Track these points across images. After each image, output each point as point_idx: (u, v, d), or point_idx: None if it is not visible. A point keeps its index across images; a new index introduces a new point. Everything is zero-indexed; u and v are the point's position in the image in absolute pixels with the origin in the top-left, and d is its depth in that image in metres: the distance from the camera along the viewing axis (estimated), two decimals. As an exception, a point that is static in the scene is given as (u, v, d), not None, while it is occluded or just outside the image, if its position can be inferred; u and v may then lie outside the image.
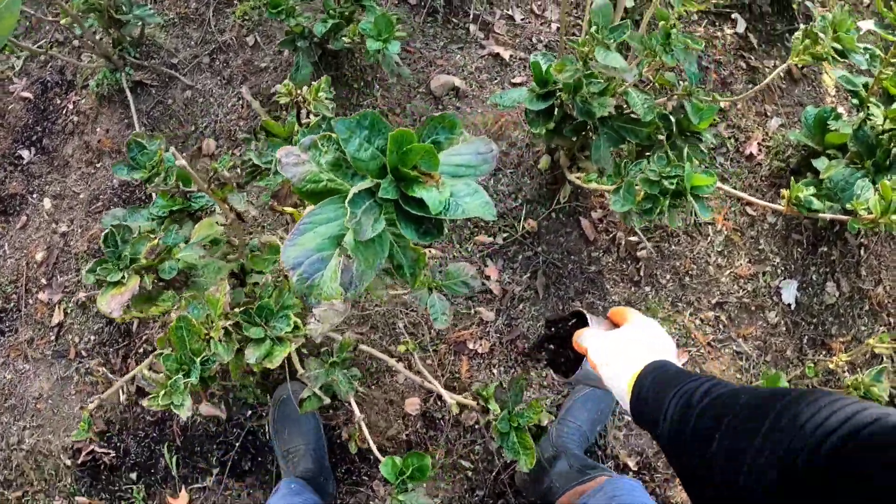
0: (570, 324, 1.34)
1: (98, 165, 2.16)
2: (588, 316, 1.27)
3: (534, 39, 2.25)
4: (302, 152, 1.00)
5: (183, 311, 1.37)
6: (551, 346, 1.42)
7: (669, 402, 0.93)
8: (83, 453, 2.03)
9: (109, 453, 2.02)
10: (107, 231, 1.44)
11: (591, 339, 1.20)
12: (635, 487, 1.69)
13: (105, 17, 1.95)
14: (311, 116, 1.51)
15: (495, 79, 2.20)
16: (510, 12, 2.28)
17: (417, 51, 2.21)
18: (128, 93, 2.10)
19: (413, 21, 2.25)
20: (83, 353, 2.06)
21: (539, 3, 2.30)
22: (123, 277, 1.43)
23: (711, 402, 0.88)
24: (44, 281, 2.10)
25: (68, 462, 2.03)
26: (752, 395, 0.83)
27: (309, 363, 1.64)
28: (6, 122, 2.26)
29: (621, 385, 1.06)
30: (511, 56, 2.22)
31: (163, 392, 1.29)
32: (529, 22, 2.27)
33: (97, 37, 2.09)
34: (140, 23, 2.04)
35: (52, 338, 2.08)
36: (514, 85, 2.17)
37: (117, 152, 2.15)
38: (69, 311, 2.08)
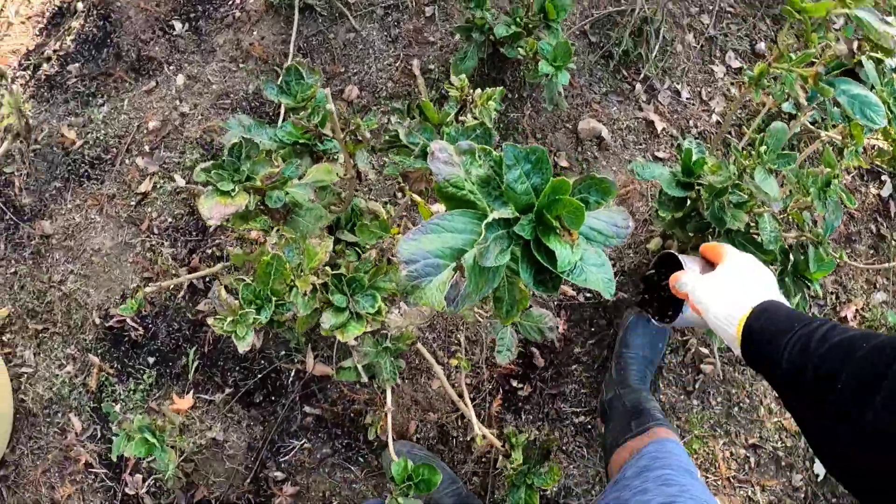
0: (664, 268, 1.32)
1: (241, 66, 2.17)
2: (681, 258, 1.27)
3: (691, 122, 2.22)
4: (456, 154, 0.99)
5: (280, 251, 1.37)
6: (647, 295, 1.41)
7: (784, 346, 0.93)
8: (114, 319, 2.06)
9: (138, 330, 2.05)
10: (236, 141, 1.43)
11: (690, 283, 1.18)
12: (676, 448, 1.63)
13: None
14: (470, 117, 1.50)
15: (641, 144, 2.18)
16: (679, 87, 2.25)
17: (579, 87, 2.19)
18: (296, 12, 2.11)
19: (585, 57, 2.23)
20: (155, 229, 2.08)
21: (709, 89, 2.26)
22: (233, 191, 1.41)
23: (830, 349, 0.87)
24: (147, 149, 2.13)
25: (97, 320, 2.06)
26: (871, 346, 0.83)
27: (364, 338, 1.63)
28: (173, -12, 2.28)
29: (730, 330, 1.06)
30: (664, 129, 2.19)
31: (230, 318, 1.29)
32: (693, 104, 2.24)
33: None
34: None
35: (133, 203, 2.10)
36: (657, 158, 2.14)
37: (264, 61, 2.16)
38: (158, 187, 2.11)
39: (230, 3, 2.21)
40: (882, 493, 0.78)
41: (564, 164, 2.10)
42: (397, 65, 2.15)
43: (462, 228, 0.93)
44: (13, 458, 2.04)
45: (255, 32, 2.17)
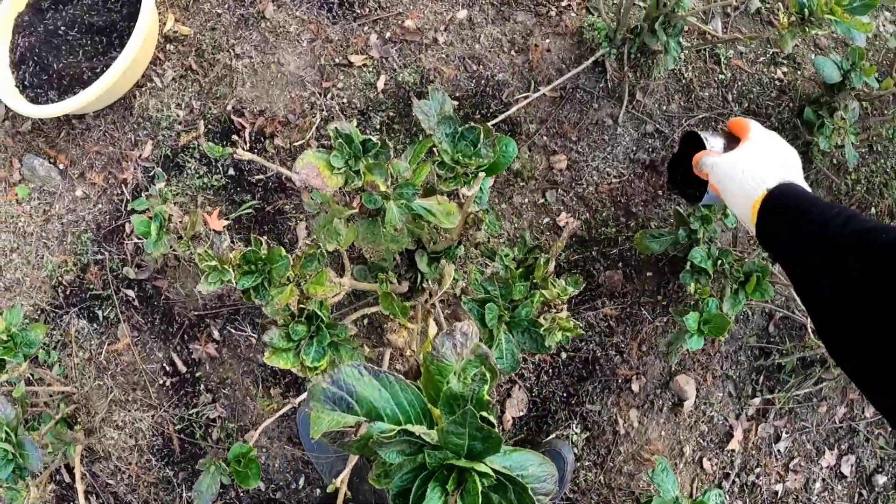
0: (689, 147, 1.30)
1: (510, 53, 2.07)
2: (703, 136, 1.23)
3: (756, 468, 2.03)
4: (471, 349, 0.92)
5: (304, 254, 1.36)
6: (677, 176, 1.40)
7: (802, 230, 0.93)
8: (239, 119, 2.12)
9: (246, 145, 2.10)
10: (368, 137, 1.36)
11: (709, 163, 1.16)
12: None
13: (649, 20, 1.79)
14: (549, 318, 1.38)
15: (705, 439, 1.96)
16: (786, 434, 2.04)
17: (716, 350, 2.01)
18: (590, 59, 1.97)
19: (745, 338, 2.04)
20: (328, 94, 2.10)
21: (806, 464, 2.05)
22: (339, 169, 1.35)
23: (853, 236, 0.86)
24: (387, 36, 2.11)
25: (230, 107, 2.13)
26: (892, 235, 0.82)
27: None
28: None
29: (745, 212, 1.05)
30: (733, 450, 2.00)
31: (214, 262, 1.29)
32: (779, 457, 2.04)
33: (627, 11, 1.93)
34: (663, 52, 1.86)
35: (336, 61, 2.11)
36: (699, 465, 1.99)
37: (529, 69, 2.06)
38: (363, 69, 2.10)
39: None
40: None
41: (634, 388, 1.97)
42: (614, 180, 2.01)
43: (402, 403, 0.88)
44: (91, 122, 2.19)
45: (547, 40, 2.06)
